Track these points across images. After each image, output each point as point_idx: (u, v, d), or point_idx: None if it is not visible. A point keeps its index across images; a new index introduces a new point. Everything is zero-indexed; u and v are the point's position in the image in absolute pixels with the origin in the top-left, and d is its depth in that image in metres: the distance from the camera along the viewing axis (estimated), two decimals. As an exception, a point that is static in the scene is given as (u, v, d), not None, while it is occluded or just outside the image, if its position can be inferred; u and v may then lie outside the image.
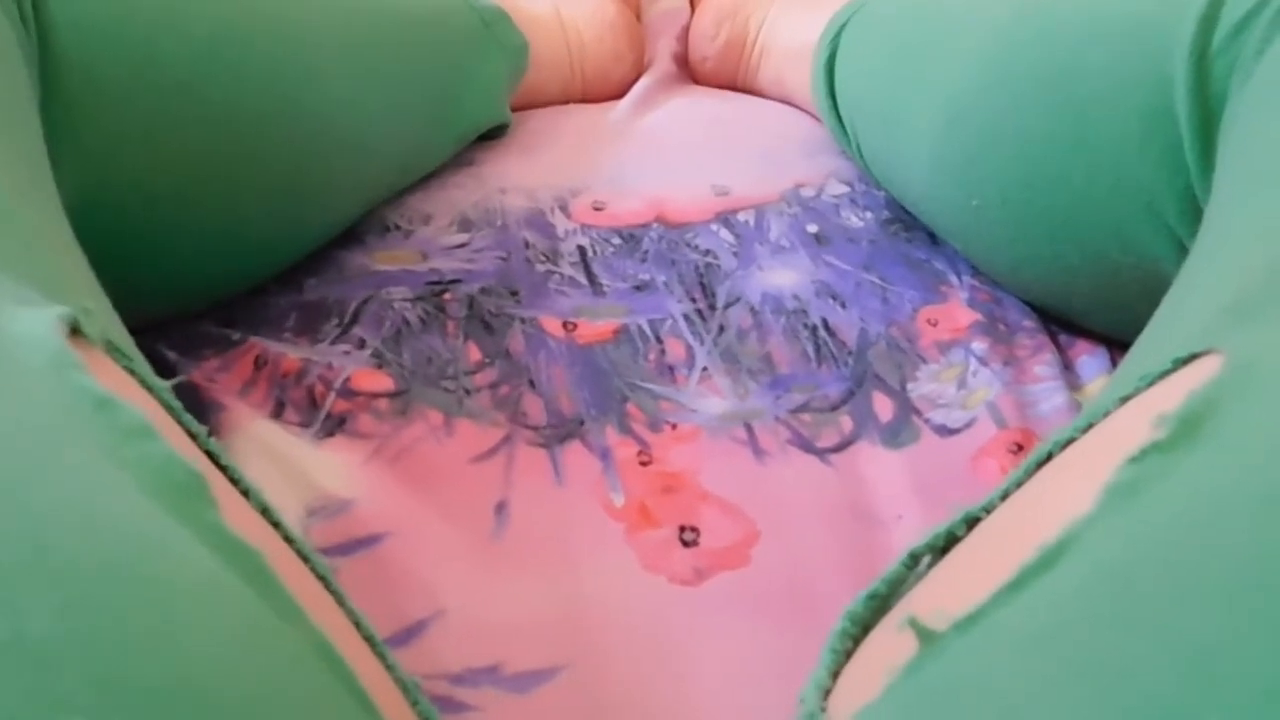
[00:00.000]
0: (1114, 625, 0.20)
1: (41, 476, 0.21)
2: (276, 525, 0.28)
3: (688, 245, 0.59)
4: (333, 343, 0.50)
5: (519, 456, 0.45)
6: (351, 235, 0.59)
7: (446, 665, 0.36)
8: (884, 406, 0.48)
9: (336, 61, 0.55)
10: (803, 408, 0.48)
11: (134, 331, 0.34)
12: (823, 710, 0.26)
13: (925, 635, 0.23)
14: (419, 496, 0.42)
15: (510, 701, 0.35)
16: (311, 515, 0.41)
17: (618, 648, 0.37)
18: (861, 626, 0.28)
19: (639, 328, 0.52)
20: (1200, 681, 0.18)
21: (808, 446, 0.46)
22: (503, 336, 0.51)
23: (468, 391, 0.48)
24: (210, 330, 0.50)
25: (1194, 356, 0.27)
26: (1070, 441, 0.29)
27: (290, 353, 0.49)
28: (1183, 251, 0.42)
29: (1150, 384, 0.27)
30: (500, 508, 0.42)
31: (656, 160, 0.69)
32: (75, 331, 0.26)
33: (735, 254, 0.58)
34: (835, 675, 0.27)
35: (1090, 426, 0.28)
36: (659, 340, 0.52)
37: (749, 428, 0.47)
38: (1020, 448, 0.45)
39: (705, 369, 0.50)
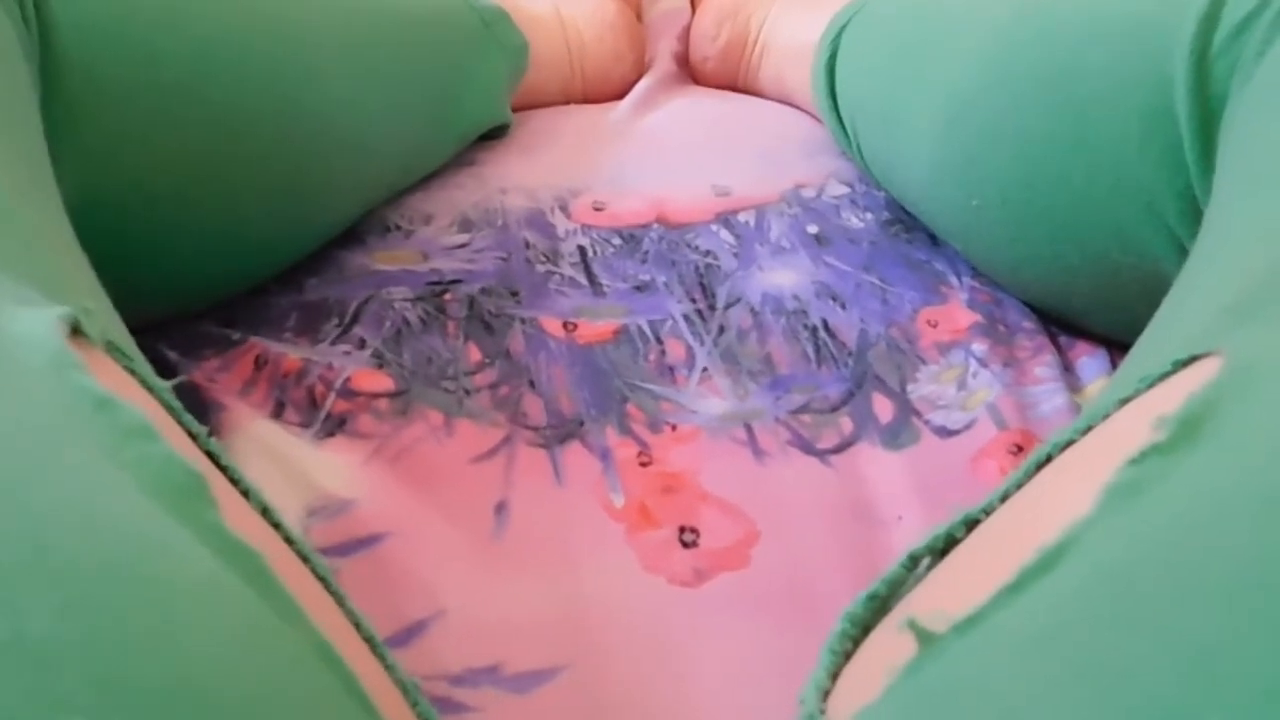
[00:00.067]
0: (1114, 626, 0.20)
1: (41, 476, 0.21)
2: (277, 526, 0.28)
3: (688, 246, 0.59)
4: (333, 343, 0.50)
5: (519, 457, 0.45)
6: (352, 235, 0.59)
7: (446, 666, 0.36)
8: (884, 407, 0.48)
9: (337, 61, 0.55)
10: (803, 408, 0.48)
11: (134, 331, 0.34)
12: (822, 711, 0.26)
13: (925, 636, 0.23)
14: (419, 497, 0.42)
15: (510, 702, 0.35)
16: (312, 515, 0.41)
17: (618, 648, 0.37)
18: (861, 628, 0.28)
19: (639, 328, 0.52)
20: (1201, 682, 0.18)
21: (808, 447, 0.46)
22: (503, 337, 0.51)
23: (468, 392, 0.48)
24: (211, 330, 0.50)
25: (1194, 358, 0.27)
26: (1070, 443, 0.29)
27: (291, 353, 0.49)
28: (1183, 252, 0.42)
29: (1150, 385, 0.27)
30: (500, 508, 0.42)
31: (657, 160, 0.69)
32: (76, 331, 0.26)
33: (735, 254, 0.58)
34: (835, 676, 0.27)
35: (1090, 428, 0.28)
36: (659, 341, 0.52)
37: (749, 428, 0.47)
38: (1020, 449, 0.45)
39: (705, 369, 0.50)
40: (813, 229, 0.61)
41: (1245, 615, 0.19)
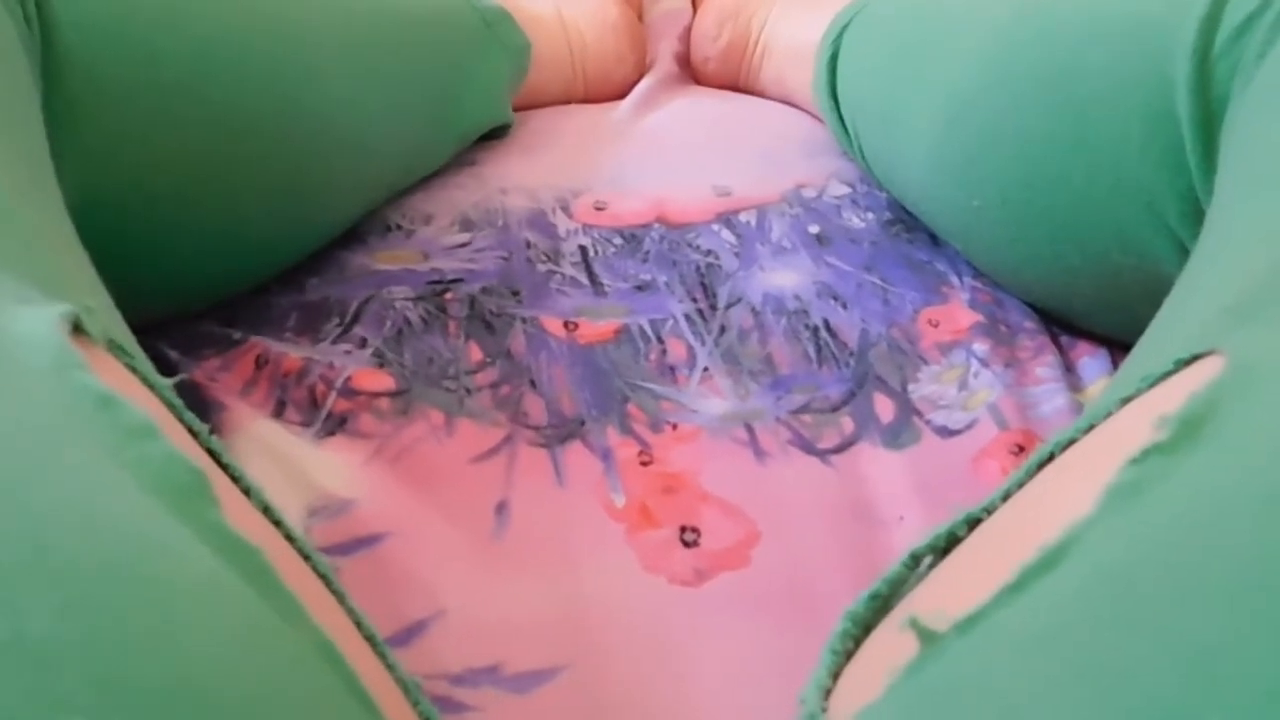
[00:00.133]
0: (1115, 626, 0.20)
1: (42, 476, 0.21)
2: (278, 524, 0.28)
3: (689, 245, 0.59)
4: (334, 342, 0.50)
5: (520, 456, 0.45)
6: (353, 235, 0.59)
7: (447, 665, 0.36)
8: (885, 407, 0.48)
9: (337, 61, 0.55)
10: (804, 408, 0.48)
11: (135, 331, 0.34)
12: (823, 710, 0.26)
13: (926, 636, 0.23)
14: (420, 496, 0.42)
15: (510, 702, 0.35)
16: (312, 515, 0.41)
17: (618, 648, 0.37)
18: (862, 627, 0.28)
19: (640, 328, 0.52)
20: (1201, 682, 0.18)
21: (808, 447, 0.46)
22: (504, 336, 0.51)
23: (469, 391, 0.48)
24: (211, 330, 0.50)
25: (1195, 357, 0.27)
26: (1071, 442, 0.29)
27: (291, 352, 0.49)
28: (1184, 253, 0.42)
29: (1152, 385, 0.27)
30: (501, 508, 0.42)
31: (658, 160, 0.69)
32: (77, 329, 0.26)
33: (736, 254, 0.58)
34: (836, 675, 0.27)
35: (1091, 427, 0.28)
36: (660, 340, 0.52)
37: (750, 428, 0.46)
38: (1021, 449, 0.45)
39: (706, 369, 0.50)
40: (814, 229, 0.61)
41: (1246, 615, 0.19)
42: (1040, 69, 0.48)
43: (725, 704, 0.35)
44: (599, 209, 0.63)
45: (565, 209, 0.62)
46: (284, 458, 0.43)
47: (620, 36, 0.81)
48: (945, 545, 0.29)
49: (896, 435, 0.46)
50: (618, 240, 0.60)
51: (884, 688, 0.24)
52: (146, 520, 0.22)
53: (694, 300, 0.55)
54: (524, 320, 0.53)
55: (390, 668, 0.28)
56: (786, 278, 0.57)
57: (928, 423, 0.47)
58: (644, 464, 0.45)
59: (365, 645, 0.27)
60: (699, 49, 0.82)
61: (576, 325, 0.52)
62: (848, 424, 0.47)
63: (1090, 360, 0.50)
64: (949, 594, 0.26)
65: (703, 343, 0.52)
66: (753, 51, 0.80)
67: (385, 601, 0.38)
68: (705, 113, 0.76)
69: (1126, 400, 0.28)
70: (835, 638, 0.28)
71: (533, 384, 0.49)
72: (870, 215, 0.62)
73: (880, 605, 0.28)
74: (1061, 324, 0.53)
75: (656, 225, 0.61)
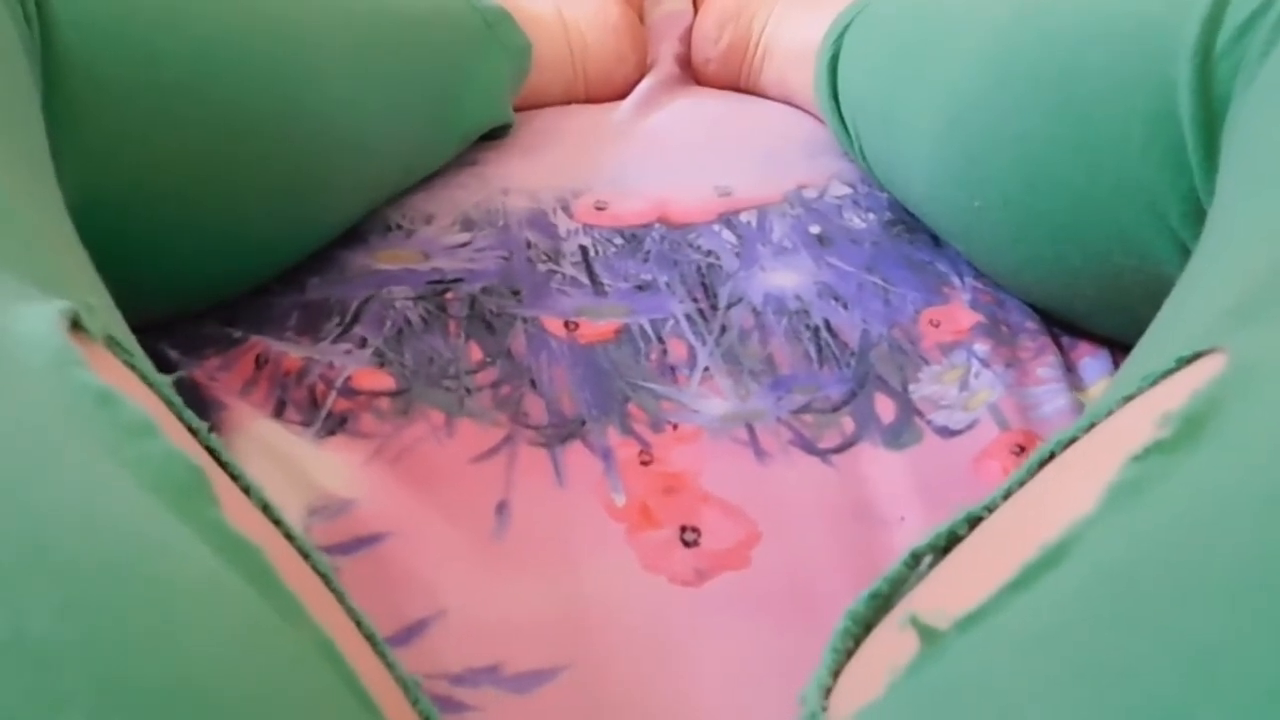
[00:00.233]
0: (1116, 625, 0.20)
1: (42, 475, 0.21)
2: (277, 522, 0.28)
3: (690, 246, 0.59)
4: (334, 342, 0.50)
5: (520, 456, 0.45)
6: (354, 235, 0.59)
7: (447, 665, 0.36)
8: (886, 408, 0.48)
9: (338, 61, 0.55)
10: (804, 409, 0.48)
11: (136, 331, 0.34)
12: (824, 709, 0.26)
13: (927, 634, 0.23)
14: (420, 496, 0.42)
15: (510, 701, 0.35)
16: (313, 515, 0.41)
17: (618, 648, 0.37)
18: (863, 626, 0.28)
19: (641, 328, 0.52)
20: (1202, 681, 0.18)
21: (809, 447, 0.46)
22: (504, 336, 0.51)
23: (469, 391, 0.48)
24: (212, 329, 0.50)
25: (1197, 355, 0.26)
26: (1073, 441, 0.29)
27: (292, 352, 0.49)
28: (1185, 253, 0.42)
29: (1153, 383, 0.27)
30: (501, 508, 0.42)
31: (659, 161, 0.69)
32: (76, 326, 0.26)
33: (737, 255, 0.58)
34: (837, 674, 0.27)
35: (1093, 425, 0.28)
36: (661, 340, 0.52)
37: (750, 428, 0.46)
38: (1022, 449, 0.45)
39: (707, 369, 0.50)
40: (815, 229, 0.61)
41: (1247, 615, 0.19)
42: (1041, 69, 0.48)
43: (725, 704, 0.35)
44: (600, 209, 0.63)
45: (566, 209, 0.62)
46: (284, 457, 0.43)
47: (621, 37, 0.81)
48: (946, 544, 0.29)
49: (897, 435, 0.46)
50: (618, 240, 0.60)
51: (885, 686, 0.24)
52: (146, 519, 0.22)
53: (695, 300, 0.55)
54: (524, 320, 0.53)
55: (390, 667, 0.28)
56: (787, 278, 0.57)
57: (929, 423, 0.47)
58: (644, 464, 0.45)
59: (365, 644, 0.27)
60: (700, 50, 0.82)
61: (577, 325, 0.52)
62: (848, 424, 0.47)
63: (1091, 361, 0.50)
64: (950, 592, 0.26)
65: (703, 343, 0.52)
66: (754, 53, 0.80)
67: (385, 601, 0.38)
68: (706, 113, 0.76)
69: (1128, 398, 0.28)
70: (836, 636, 0.28)
71: (533, 384, 0.49)
72: (871, 216, 0.62)
73: (881, 604, 0.28)
74: (1063, 324, 0.53)
75: (657, 225, 0.61)
